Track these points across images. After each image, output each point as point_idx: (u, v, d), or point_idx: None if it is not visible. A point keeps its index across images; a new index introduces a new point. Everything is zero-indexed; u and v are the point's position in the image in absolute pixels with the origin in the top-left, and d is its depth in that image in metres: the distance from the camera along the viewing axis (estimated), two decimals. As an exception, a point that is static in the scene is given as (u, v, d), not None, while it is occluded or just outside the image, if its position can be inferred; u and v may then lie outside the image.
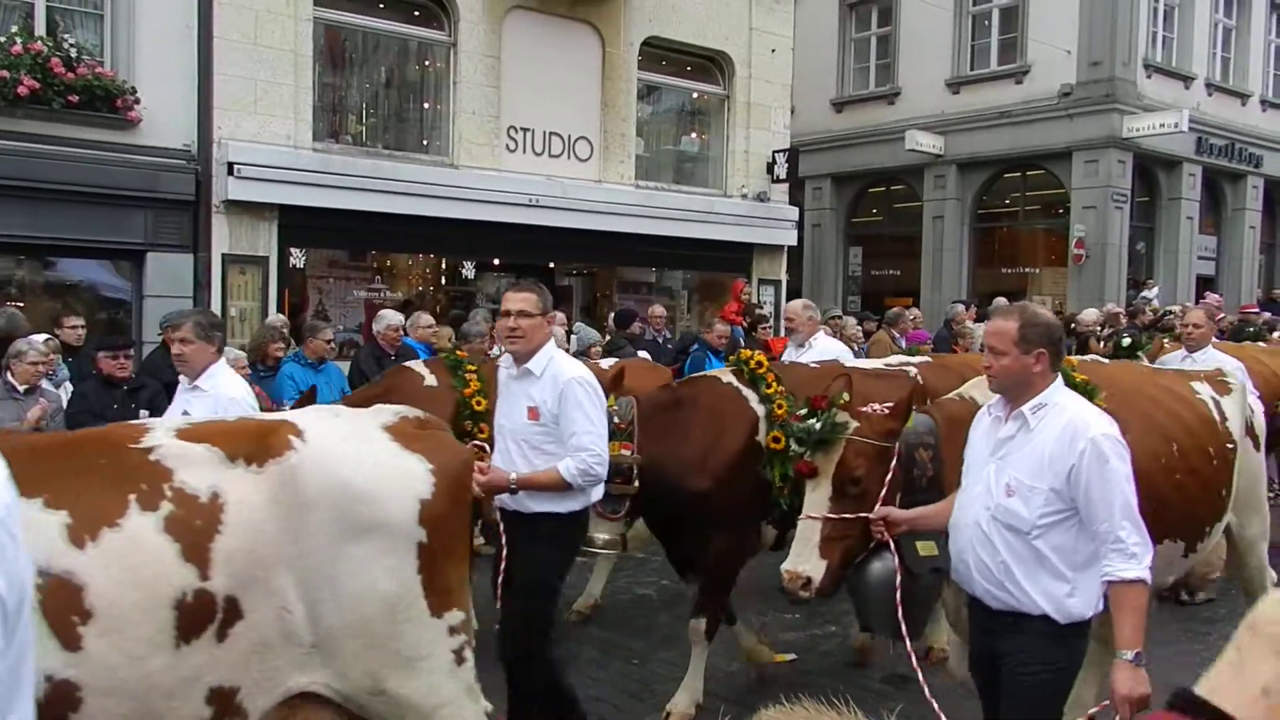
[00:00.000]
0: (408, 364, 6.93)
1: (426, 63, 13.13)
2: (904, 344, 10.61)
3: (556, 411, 4.12)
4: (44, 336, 7.42)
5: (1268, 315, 13.50)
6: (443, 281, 14.78)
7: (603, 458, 4.13)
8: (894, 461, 3.78)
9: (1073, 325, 12.77)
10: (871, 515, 3.70)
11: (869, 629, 4.37)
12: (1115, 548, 3.04)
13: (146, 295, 10.80)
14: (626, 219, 13.73)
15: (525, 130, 13.34)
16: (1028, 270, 19.60)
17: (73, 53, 10.11)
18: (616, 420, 4.72)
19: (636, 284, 16.01)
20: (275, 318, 9.29)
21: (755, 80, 15.45)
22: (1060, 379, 3.33)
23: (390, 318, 8.77)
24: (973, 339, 11.59)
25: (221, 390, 4.63)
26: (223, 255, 11.12)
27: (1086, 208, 17.49)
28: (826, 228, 21.02)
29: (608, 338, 10.95)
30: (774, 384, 5.15)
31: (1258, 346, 9.14)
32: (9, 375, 6.40)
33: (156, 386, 6.74)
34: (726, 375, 5.34)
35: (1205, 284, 19.10)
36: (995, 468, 3.27)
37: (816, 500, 3.86)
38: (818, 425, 3.90)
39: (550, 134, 13.55)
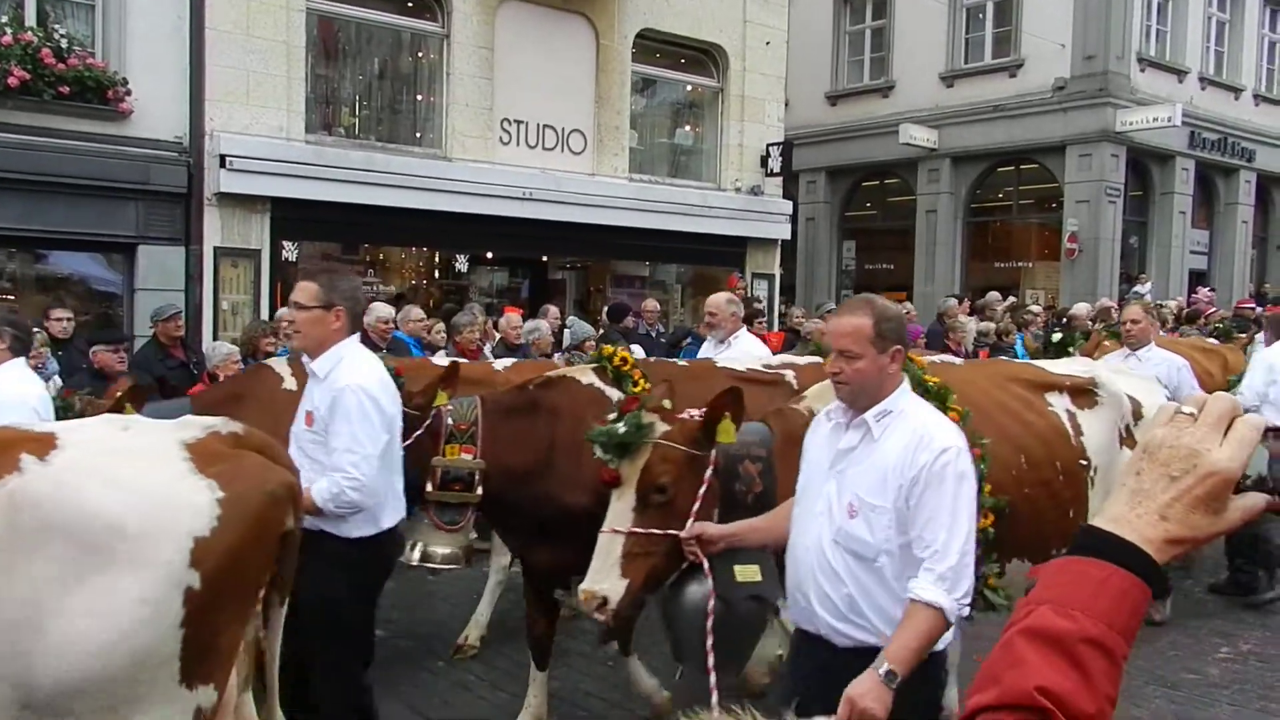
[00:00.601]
0: (268, 362, 6.03)
1: (419, 54, 13.07)
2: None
3: (328, 420, 3.69)
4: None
5: (1260, 310, 13.54)
6: (435, 275, 14.76)
7: (362, 483, 3.61)
8: (709, 471, 3.37)
9: (1065, 320, 12.83)
10: (682, 533, 3.28)
11: (679, 661, 3.67)
12: (930, 566, 2.70)
13: (138, 289, 10.75)
14: (620, 212, 13.71)
15: (519, 123, 13.30)
16: (1020, 264, 19.63)
17: (63, 43, 10.05)
18: (453, 421, 4.25)
19: (630, 278, 16.00)
20: (284, 310, 9.24)
21: (749, 73, 15.42)
22: (907, 382, 3.04)
23: (380, 310, 8.71)
24: (964, 333, 11.63)
25: None
26: (215, 248, 11.08)
27: (1080, 202, 17.52)
28: (820, 221, 21.01)
29: (601, 331, 10.94)
30: (641, 382, 4.65)
31: (1196, 344, 8.65)
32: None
33: (147, 380, 6.71)
34: (587, 374, 4.81)
35: (1197, 279, 19.16)
36: (836, 484, 2.91)
37: (619, 512, 3.40)
38: (621, 427, 3.48)
39: (544, 127, 13.51)
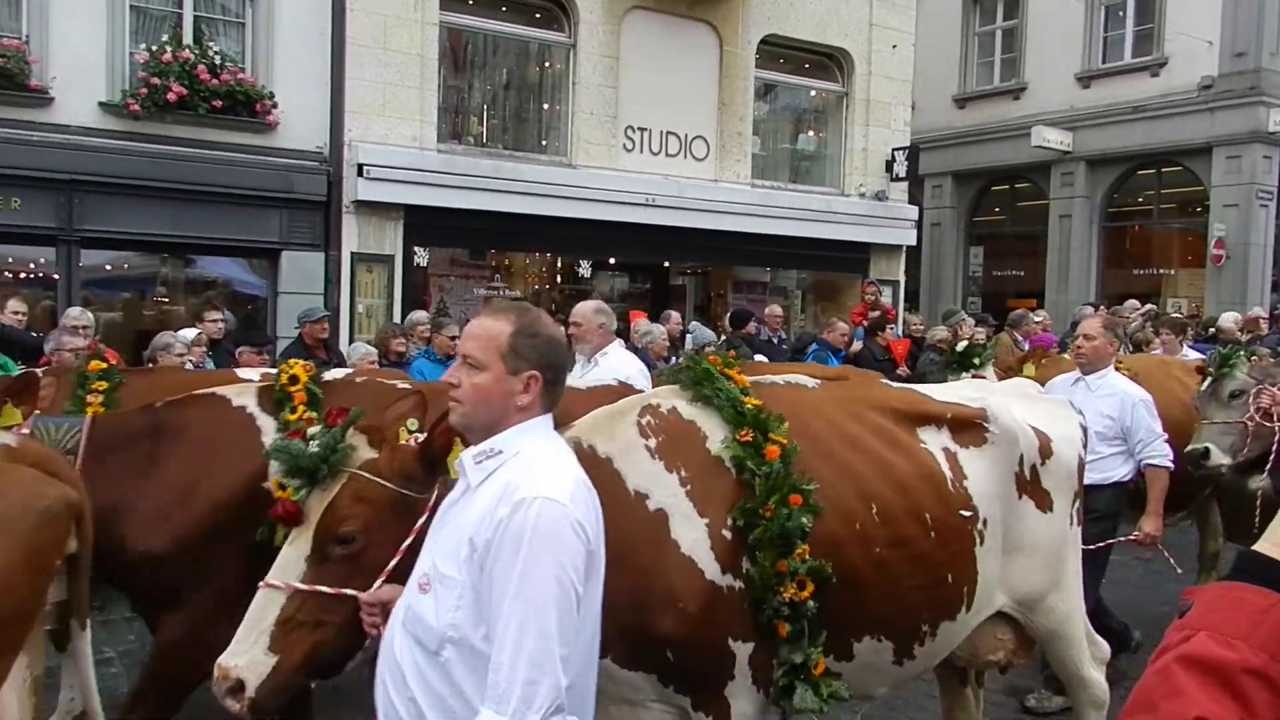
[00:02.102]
0: (224, 391, 4.39)
1: (546, 64, 13.33)
2: (1026, 347, 10.28)
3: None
4: (194, 332, 7.84)
5: None
6: (558, 280, 15.00)
7: None
8: (423, 520, 2.46)
9: (1212, 330, 12.17)
10: (365, 596, 2.41)
11: None
12: (491, 690, 1.92)
13: (281, 292, 11.28)
14: (742, 218, 13.68)
15: (642, 130, 13.42)
16: (1162, 271, 18.73)
17: (217, 60, 10.63)
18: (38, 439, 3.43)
19: (751, 283, 15.93)
20: (418, 314, 9.57)
21: (875, 77, 15.18)
22: (545, 424, 2.22)
23: (509, 315, 8.93)
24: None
25: None
26: (352, 254, 11.53)
27: (1227, 206, 16.61)
28: (946, 227, 20.51)
29: (723, 337, 10.93)
30: (300, 408, 3.78)
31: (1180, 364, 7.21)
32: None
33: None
34: (245, 395, 3.94)
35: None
36: (426, 547, 2.22)
37: (289, 560, 2.51)
38: (314, 446, 2.65)
39: (667, 133, 13.60)
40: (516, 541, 1.95)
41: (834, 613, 3.02)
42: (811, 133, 15.83)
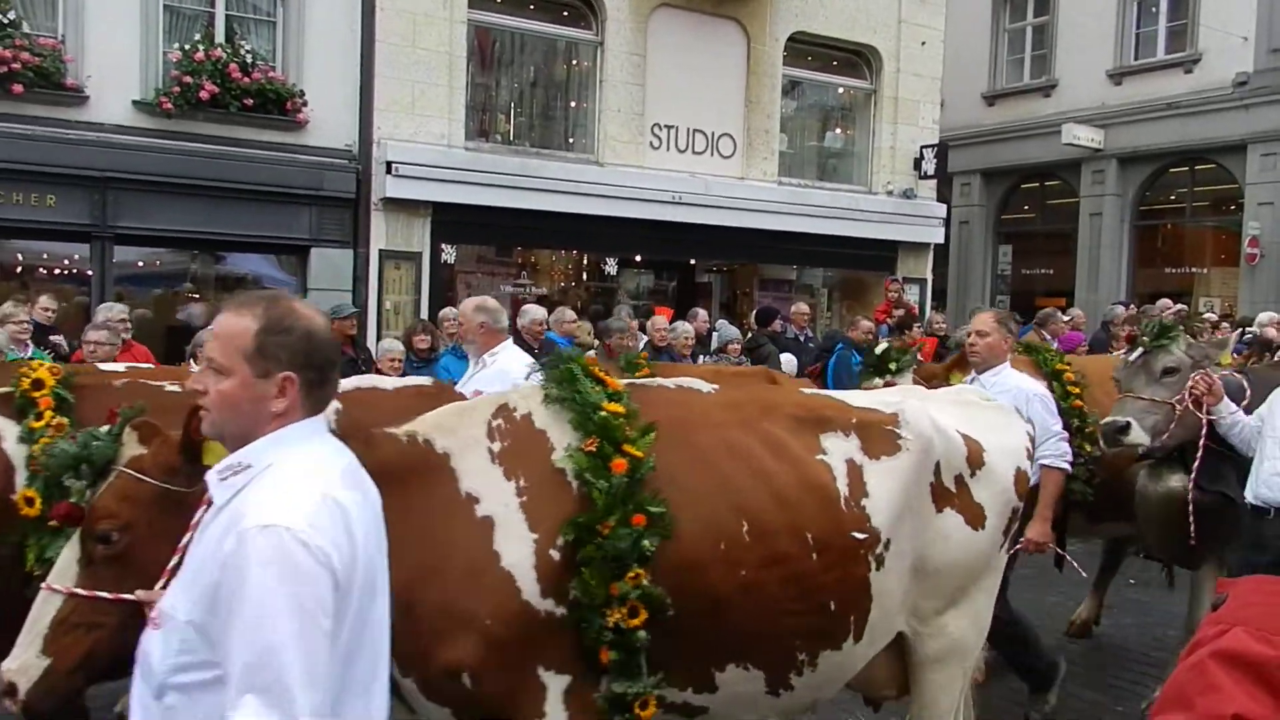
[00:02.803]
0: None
1: (573, 61, 13.35)
2: (1056, 346, 10.18)
3: None
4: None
5: None
6: (584, 277, 15.03)
7: None
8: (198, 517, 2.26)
9: (1247, 331, 12.01)
10: (140, 596, 2.26)
11: None
12: (240, 686, 1.70)
13: (310, 288, 11.36)
14: (769, 216, 13.65)
15: (669, 127, 13.41)
16: (1194, 270, 18.48)
17: (248, 59, 10.73)
18: None
19: (777, 281, 15.89)
20: (449, 310, 9.63)
21: (904, 74, 15.09)
22: (309, 429, 1.97)
23: (535, 313, 8.95)
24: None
25: None
26: (380, 251, 11.61)
27: (1262, 204, 16.35)
28: (975, 225, 20.34)
29: (749, 334, 10.91)
30: (48, 414, 3.54)
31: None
32: (193, 363, 6.87)
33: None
34: None
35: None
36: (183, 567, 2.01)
37: (65, 563, 2.44)
38: (82, 444, 2.58)
39: (694, 131, 13.58)
40: (241, 579, 1.71)
41: (692, 639, 2.80)
42: (839, 130, 15.76)
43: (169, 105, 10.30)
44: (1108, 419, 4.75)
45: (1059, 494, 4.79)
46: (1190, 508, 4.63)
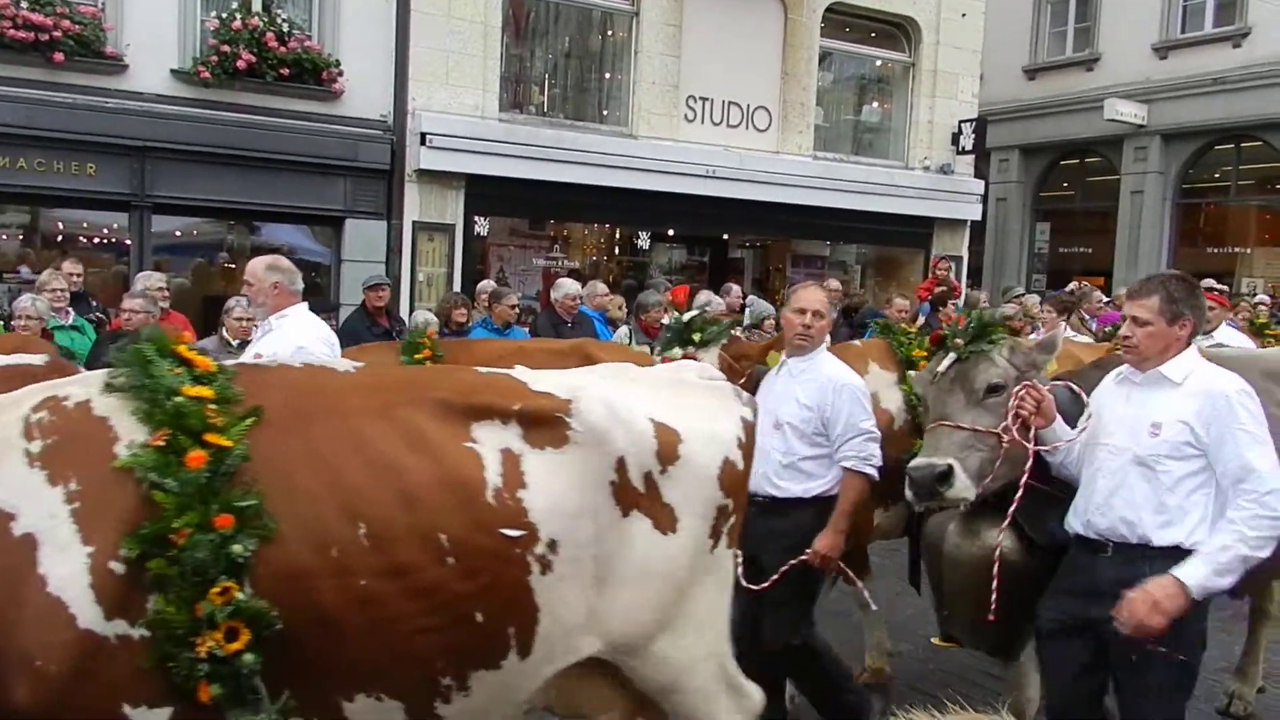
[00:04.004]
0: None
1: (609, 32, 13.25)
2: (1094, 326, 10.04)
3: None
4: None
5: None
6: (616, 251, 14.99)
7: None
8: None
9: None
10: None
11: None
12: None
13: (344, 260, 11.42)
14: (803, 191, 13.52)
15: (704, 100, 13.29)
16: (1237, 250, 18.13)
17: (285, 27, 10.74)
18: None
19: (810, 257, 15.78)
20: (485, 284, 9.65)
21: (943, 46, 14.85)
22: None
23: (568, 286, 8.95)
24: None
25: None
26: (413, 222, 11.63)
27: (1311, 183, 16.02)
28: (1013, 202, 20.05)
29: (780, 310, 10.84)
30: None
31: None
32: (224, 331, 6.94)
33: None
34: None
35: None
36: None
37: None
38: None
39: (729, 104, 13.45)
40: None
41: (306, 664, 2.40)
42: (876, 104, 15.56)
43: (206, 74, 10.34)
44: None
45: (858, 501, 4.11)
46: (998, 569, 3.55)
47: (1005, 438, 3.46)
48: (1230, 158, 17.75)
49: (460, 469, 2.63)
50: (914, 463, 3.51)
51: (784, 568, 4.02)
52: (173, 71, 10.42)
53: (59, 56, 9.76)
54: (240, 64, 10.38)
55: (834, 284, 11.63)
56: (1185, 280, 3.26)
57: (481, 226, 12.23)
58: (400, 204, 11.56)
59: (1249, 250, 17.98)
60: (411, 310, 10.42)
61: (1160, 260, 17.84)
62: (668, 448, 2.89)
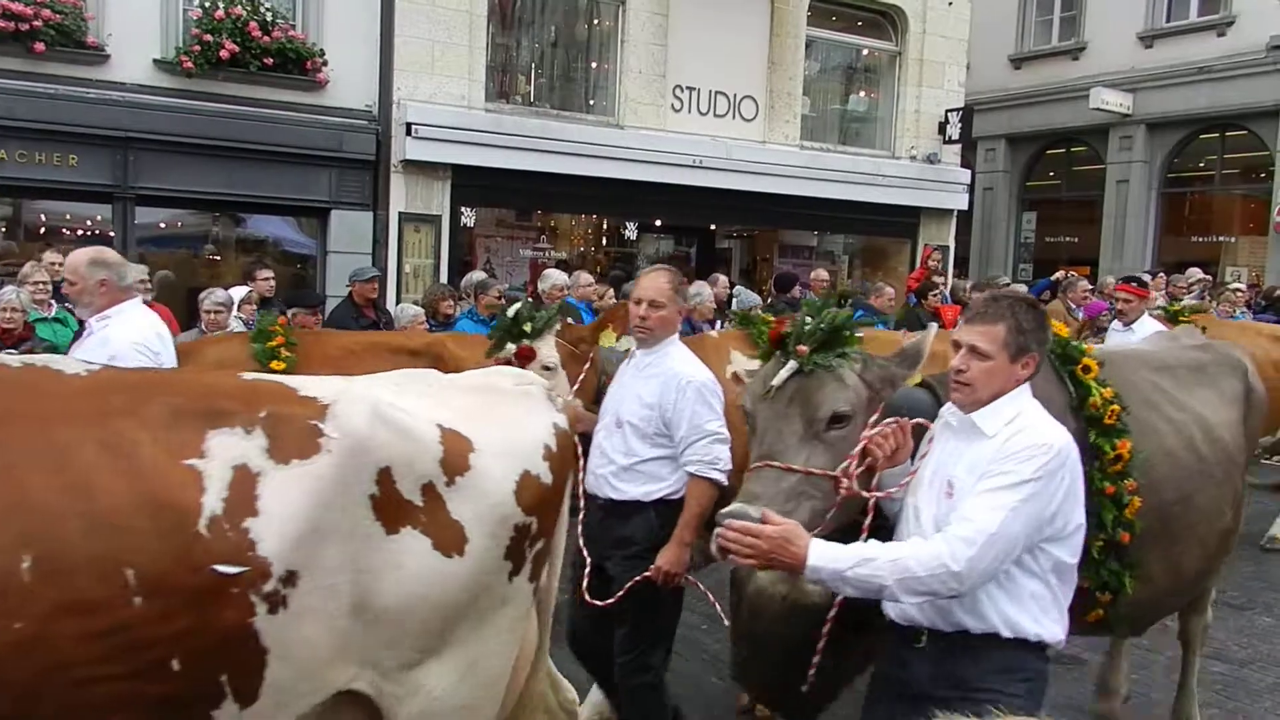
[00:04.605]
0: None
1: (595, 21, 13.19)
2: (1081, 315, 10.09)
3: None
4: (245, 290, 7.94)
5: None
6: (604, 242, 14.96)
7: None
8: None
9: (1276, 299, 11.86)
10: None
11: None
12: None
13: (330, 251, 11.37)
14: (790, 181, 13.51)
15: (691, 89, 13.26)
16: (1222, 239, 18.23)
17: (268, 17, 10.65)
18: None
19: (797, 247, 15.79)
20: (472, 275, 9.58)
21: (929, 35, 14.85)
22: None
23: (555, 277, 8.93)
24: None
25: None
26: (399, 213, 11.58)
27: (1294, 172, 16.10)
28: (999, 191, 20.11)
29: (768, 300, 10.85)
30: None
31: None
32: (201, 325, 6.94)
33: (341, 338, 7.07)
34: None
35: None
36: None
37: None
38: None
39: (716, 93, 13.42)
40: None
41: None
42: (863, 93, 15.55)
43: (189, 64, 10.25)
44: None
45: (705, 509, 3.63)
46: (829, 625, 2.89)
47: (845, 483, 2.78)
48: (1215, 147, 17.84)
49: (169, 491, 2.24)
50: (727, 509, 2.67)
51: (628, 584, 3.63)
52: (155, 61, 10.33)
53: (39, 46, 9.66)
54: (223, 54, 10.30)
55: (821, 274, 11.71)
56: (1037, 308, 2.70)
57: (468, 217, 12.18)
58: (386, 195, 11.51)
59: (1233, 239, 18.09)
60: (398, 302, 10.39)
61: (1146, 250, 17.94)
62: (456, 457, 2.57)
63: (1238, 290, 11.64)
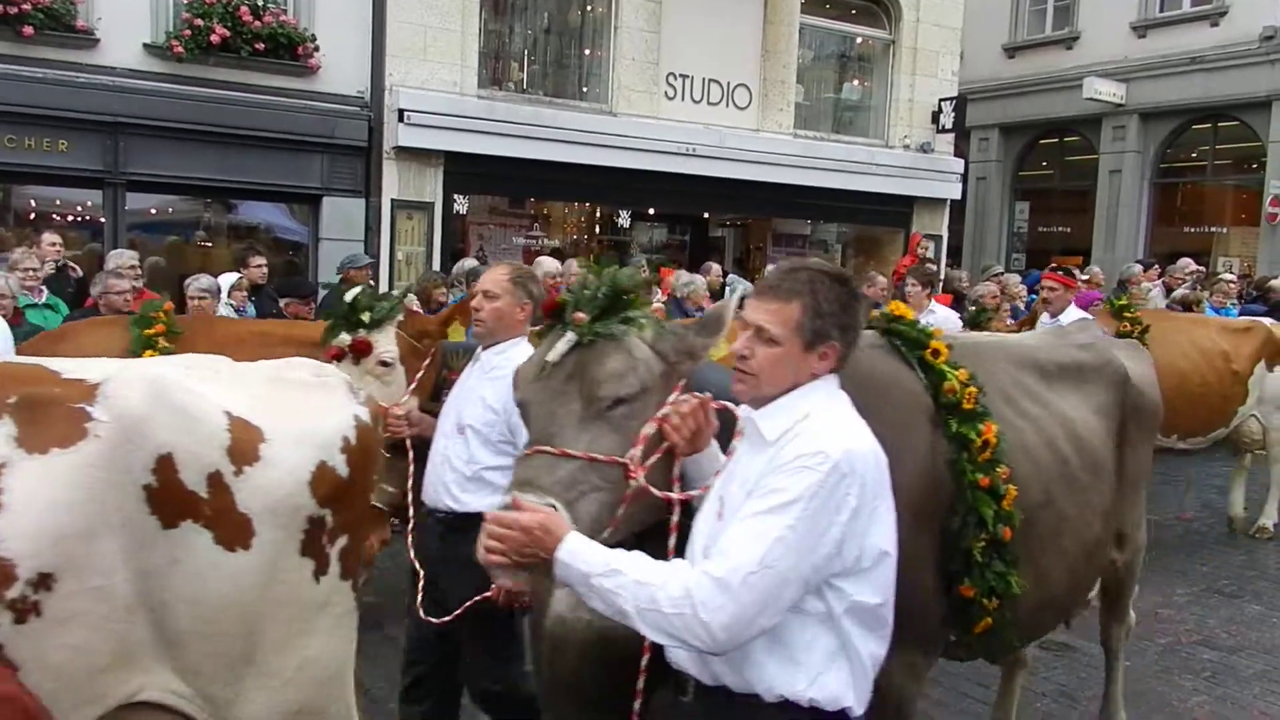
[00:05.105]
0: None
1: (588, 8, 13.13)
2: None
3: None
4: (235, 276, 7.90)
5: None
6: (597, 230, 14.93)
7: None
8: None
9: (1266, 290, 11.89)
10: None
11: None
12: None
13: (322, 238, 11.32)
14: (784, 169, 13.50)
15: (684, 77, 13.22)
16: (1214, 230, 18.27)
17: (259, 1, 10.57)
18: None
19: (790, 236, 15.78)
20: (464, 262, 9.55)
21: (923, 24, 14.82)
22: None
23: (548, 265, 8.93)
24: (1145, 301, 10.93)
25: None
26: (392, 200, 11.53)
27: (1285, 162, 16.14)
28: (992, 181, 20.12)
29: (762, 290, 10.83)
30: None
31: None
32: (189, 312, 6.88)
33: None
34: None
35: None
36: None
37: None
38: None
39: (709, 81, 13.38)
40: None
41: None
42: (856, 82, 15.53)
43: (180, 49, 10.17)
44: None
45: None
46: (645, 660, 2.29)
47: (635, 470, 2.23)
48: (1207, 137, 17.87)
49: None
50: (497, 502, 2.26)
51: (467, 604, 3.25)
52: (145, 46, 10.25)
53: (28, 30, 9.57)
54: (214, 38, 10.23)
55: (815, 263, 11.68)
56: (845, 284, 2.13)
57: (461, 205, 12.15)
58: (378, 182, 11.46)
59: (1225, 230, 18.13)
60: (390, 289, 10.36)
61: (1138, 240, 17.98)
62: (245, 445, 2.38)
63: (1230, 281, 11.69)
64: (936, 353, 2.93)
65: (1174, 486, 8.77)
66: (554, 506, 2.10)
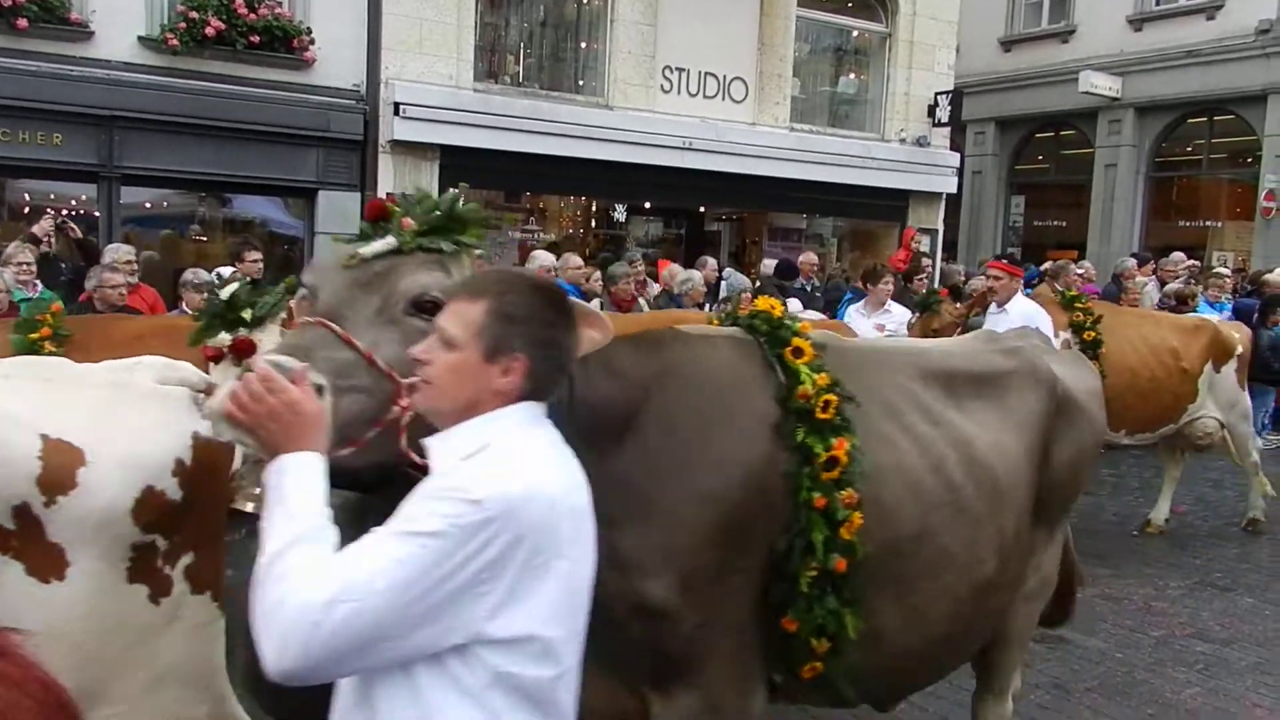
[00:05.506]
0: None
1: (584, 1, 13.11)
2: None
3: None
4: (229, 270, 7.88)
5: None
6: (593, 224, 14.93)
7: None
8: None
9: (1261, 284, 11.91)
10: None
11: None
12: None
13: (318, 232, 11.30)
14: (780, 163, 13.47)
15: (680, 70, 13.20)
16: (1209, 224, 18.31)
17: (254, -7, 10.55)
18: None
19: (786, 230, 15.77)
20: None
21: (919, 17, 14.81)
22: None
23: (543, 259, 8.93)
24: (1140, 295, 10.95)
25: None
26: (387, 194, 11.48)
27: (1280, 156, 16.17)
28: (988, 175, 20.14)
29: (758, 284, 10.84)
30: None
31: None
32: (183, 305, 6.89)
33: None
34: None
35: None
36: None
37: None
38: None
39: (705, 74, 13.36)
40: None
41: None
42: (853, 75, 15.51)
43: (174, 41, 10.15)
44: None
45: None
46: None
47: (403, 400, 1.95)
48: (1203, 131, 17.89)
49: None
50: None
51: None
52: (140, 39, 10.22)
53: (22, 23, 9.54)
54: (209, 31, 10.20)
55: (810, 257, 11.69)
56: (546, 293, 1.83)
57: (456, 198, 12.10)
58: (374, 175, 11.44)
59: (1220, 224, 18.17)
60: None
61: (1133, 234, 18.00)
62: (60, 472, 2.22)
63: (1224, 275, 11.72)
64: (798, 351, 2.60)
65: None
66: (321, 388, 1.83)
